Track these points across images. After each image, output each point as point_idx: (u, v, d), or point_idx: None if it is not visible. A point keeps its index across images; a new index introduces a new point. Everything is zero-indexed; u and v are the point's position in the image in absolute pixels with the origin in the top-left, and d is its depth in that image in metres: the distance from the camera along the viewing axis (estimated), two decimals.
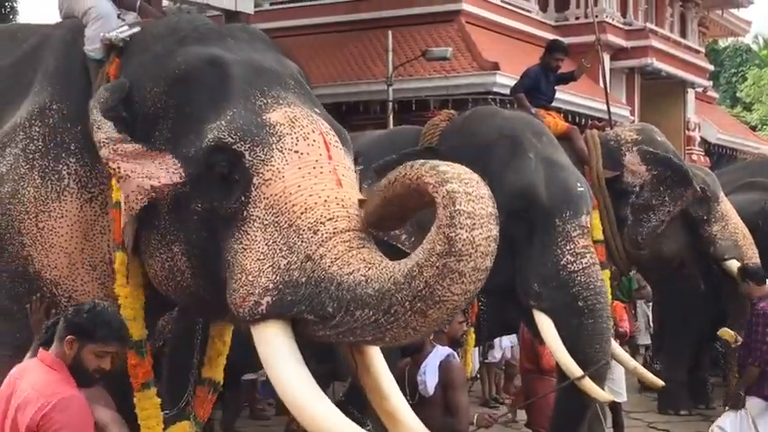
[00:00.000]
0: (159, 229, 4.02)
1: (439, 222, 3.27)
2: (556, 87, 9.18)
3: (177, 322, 4.79)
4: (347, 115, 16.95)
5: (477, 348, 8.38)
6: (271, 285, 3.61)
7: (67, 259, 4.33)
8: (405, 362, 5.25)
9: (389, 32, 17.03)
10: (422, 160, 3.41)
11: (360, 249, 3.55)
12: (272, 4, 20.93)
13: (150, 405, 4.33)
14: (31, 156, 4.39)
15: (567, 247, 6.01)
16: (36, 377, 3.66)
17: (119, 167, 3.97)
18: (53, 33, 4.84)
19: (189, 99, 4.05)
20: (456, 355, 5.32)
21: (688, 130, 25.09)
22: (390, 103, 16.88)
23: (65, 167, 4.35)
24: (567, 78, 9.50)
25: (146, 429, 4.30)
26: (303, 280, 3.55)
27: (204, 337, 4.74)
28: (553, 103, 9.14)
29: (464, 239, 3.25)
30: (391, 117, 16.62)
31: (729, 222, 8.82)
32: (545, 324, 5.91)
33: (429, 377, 5.08)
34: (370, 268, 3.47)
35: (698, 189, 8.26)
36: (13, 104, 4.57)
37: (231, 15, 15.43)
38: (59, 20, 5.05)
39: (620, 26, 22.90)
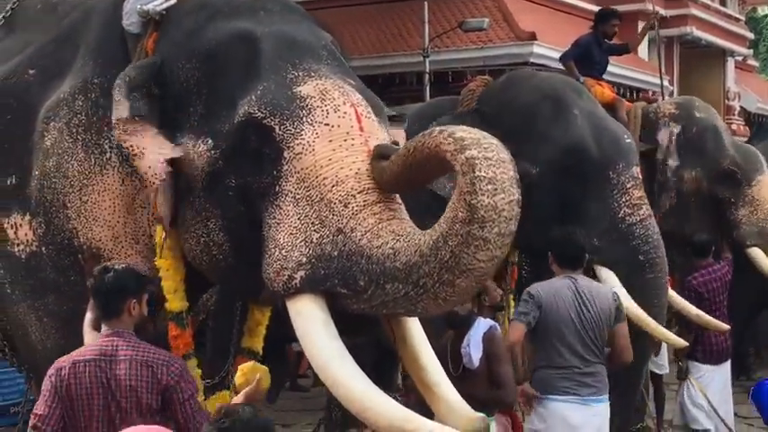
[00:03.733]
0: (194, 205, 4.05)
1: (460, 190, 3.25)
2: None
3: (220, 295, 4.82)
4: (383, 87, 16.88)
5: None
6: (304, 259, 3.62)
7: (111, 232, 4.37)
8: (447, 335, 5.23)
9: (425, 3, 16.90)
10: (439, 127, 3.39)
11: (390, 221, 3.55)
12: None
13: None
14: (74, 130, 4.41)
15: (623, 199, 6.05)
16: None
17: (131, 145, 4.04)
18: (95, 8, 4.84)
19: (220, 75, 4.05)
20: (498, 326, 5.27)
21: (727, 99, 24.77)
22: (427, 75, 16.79)
23: (107, 141, 4.37)
24: (620, 50, 9.44)
25: None
26: (335, 254, 3.56)
27: (245, 308, 4.75)
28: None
29: (486, 205, 3.22)
30: (428, 89, 16.55)
31: (760, 208, 8.40)
32: (608, 277, 5.93)
33: (473, 349, 5.05)
34: (398, 240, 3.46)
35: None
36: (57, 79, 4.61)
37: None
38: None
39: None
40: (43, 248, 4.50)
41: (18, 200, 4.53)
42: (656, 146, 8.00)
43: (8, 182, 4.58)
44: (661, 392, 8.34)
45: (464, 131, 3.33)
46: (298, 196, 3.71)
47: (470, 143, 3.27)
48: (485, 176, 3.23)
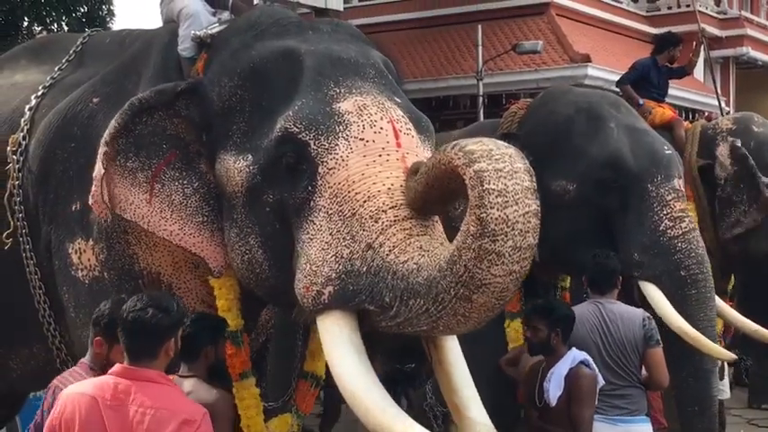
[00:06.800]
0: (237, 222, 4.07)
1: (470, 204, 3.21)
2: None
3: (280, 316, 4.82)
4: (437, 110, 16.96)
5: None
6: (333, 275, 3.60)
7: (171, 258, 4.41)
8: (539, 361, 5.10)
9: (479, 26, 16.97)
10: (454, 142, 3.34)
11: (419, 237, 3.51)
12: (361, 0, 21.02)
13: (249, 395, 4.32)
14: None
15: (664, 212, 5.87)
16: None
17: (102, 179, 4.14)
18: (155, 37, 4.96)
19: (263, 92, 4.07)
20: (591, 360, 5.05)
21: None
22: (480, 98, 16.82)
23: None
24: (679, 73, 9.40)
25: (246, 419, 4.30)
26: (364, 269, 3.53)
27: (307, 331, 4.71)
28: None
29: (496, 219, 3.16)
30: (481, 111, 16.57)
31: None
32: (652, 292, 5.76)
33: (553, 386, 4.89)
34: (423, 256, 3.42)
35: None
36: (119, 107, 4.65)
37: (321, 13, 15.54)
38: (161, 25, 5.18)
39: (715, 15, 22.46)
40: (105, 273, 4.55)
41: (82, 225, 4.59)
42: (713, 163, 7.89)
43: (73, 208, 4.66)
44: (722, 417, 8.20)
45: (475, 144, 3.27)
46: (330, 211, 3.70)
47: (480, 156, 3.22)
48: (494, 189, 3.17)
